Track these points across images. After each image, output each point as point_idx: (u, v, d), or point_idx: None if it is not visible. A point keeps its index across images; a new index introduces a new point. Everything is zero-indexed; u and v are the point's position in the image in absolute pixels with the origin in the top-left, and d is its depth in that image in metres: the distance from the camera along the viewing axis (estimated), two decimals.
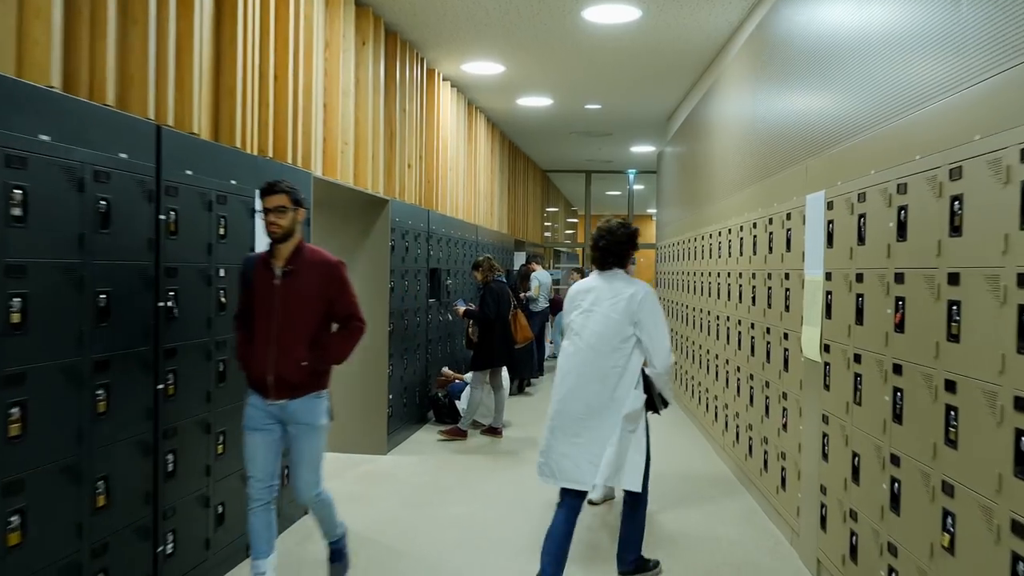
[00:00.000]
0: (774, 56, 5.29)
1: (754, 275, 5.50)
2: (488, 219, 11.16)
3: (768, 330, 5.07)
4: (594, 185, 18.77)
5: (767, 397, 5.08)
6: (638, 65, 8.08)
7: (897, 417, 3.05)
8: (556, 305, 13.11)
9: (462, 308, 7.40)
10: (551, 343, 13.49)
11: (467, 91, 9.40)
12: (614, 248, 3.75)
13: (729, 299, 6.34)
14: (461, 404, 7.48)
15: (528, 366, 9.81)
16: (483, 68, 8.23)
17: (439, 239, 8.15)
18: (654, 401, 3.75)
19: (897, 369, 3.05)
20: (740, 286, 5.95)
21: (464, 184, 9.63)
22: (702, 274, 7.70)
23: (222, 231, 3.83)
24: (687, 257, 8.93)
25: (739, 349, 5.95)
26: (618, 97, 9.77)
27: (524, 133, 12.59)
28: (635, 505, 3.84)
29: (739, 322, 5.96)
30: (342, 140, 5.55)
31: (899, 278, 3.06)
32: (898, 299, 3.06)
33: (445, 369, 8.08)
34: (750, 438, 5.55)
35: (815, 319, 4.04)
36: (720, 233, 6.85)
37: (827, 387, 3.89)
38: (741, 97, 6.42)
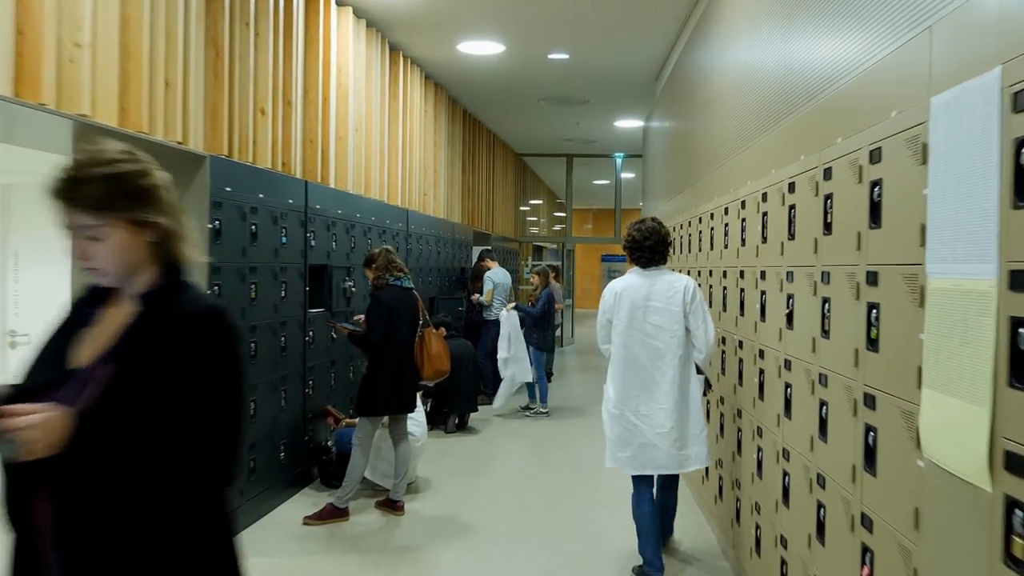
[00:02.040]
0: None
1: (790, 275, 3.14)
2: (427, 203, 8.79)
3: (822, 379, 2.70)
4: (578, 172, 16.40)
5: (821, 507, 2.70)
6: None
7: None
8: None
9: (347, 328, 5.00)
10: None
11: (385, 28, 7.03)
12: (660, 247, 3.98)
13: (743, 315, 3.97)
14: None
15: (469, 396, 7.44)
16: None
17: (331, 224, 5.80)
18: (702, 385, 4.00)
19: None
20: (763, 295, 3.58)
21: (385, 154, 7.27)
22: (698, 273, 5.32)
23: None
24: (676, 250, 6.55)
25: (760, 399, 3.60)
26: (589, 41, 7.41)
27: (479, 98, 10.21)
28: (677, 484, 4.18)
29: (759, 354, 3.60)
30: (67, 38, 3.17)
31: None
32: None
33: (330, 407, 5.72)
34: (783, 562, 3.20)
35: (971, 386, 1.68)
36: (726, 210, 4.48)
37: (1016, 564, 1.53)
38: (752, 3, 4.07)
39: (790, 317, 3.11)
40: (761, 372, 3.56)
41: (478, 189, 11.55)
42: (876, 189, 2.27)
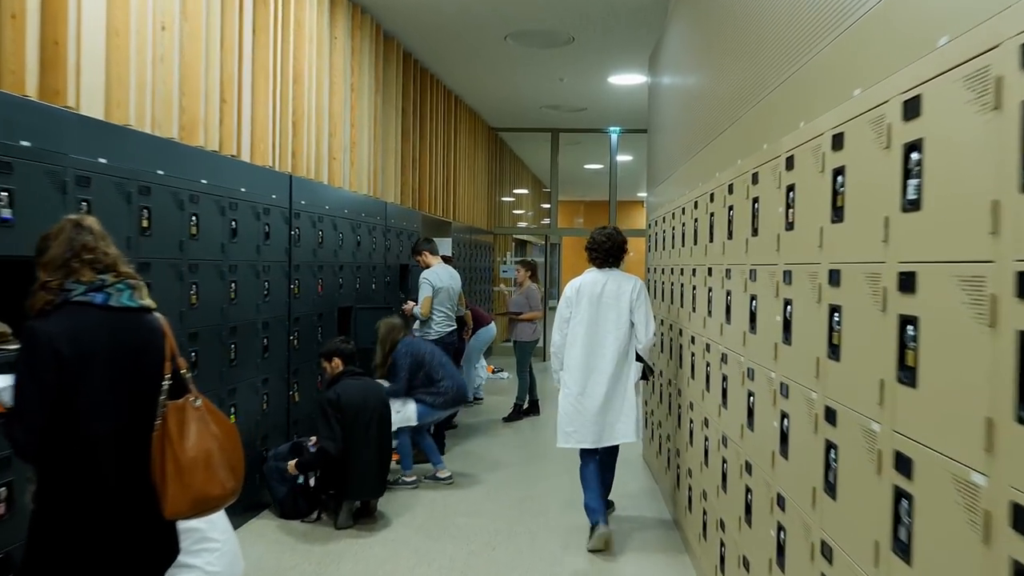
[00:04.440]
0: None
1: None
2: (335, 171, 6.05)
3: None
4: (567, 155, 13.69)
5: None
6: None
7: None
8: (480, 321, 8.07)
9: None
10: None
11: None
12: (615, 251, 4.54)
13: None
14: None
15: (374, 472, 4.66)
16: None
17: (75, 183, 3.08)
18: (644, 370, 4.51)
19: None
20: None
21: (241, 84, 4.55)
22: (732, 275, 3.00)
23: None
24: (688, 239, 4.45)
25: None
26: None
27: (420, 28, 7.47)
28: (615, 458, 4.63)
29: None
30: None
31: None
32: None
33: None
34: None
35: None
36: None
37: None
38: None
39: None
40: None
41: (430, 163, 8.83)
42: None
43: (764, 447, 2.64)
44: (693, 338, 4.14)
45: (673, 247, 4.94)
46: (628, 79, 9.04)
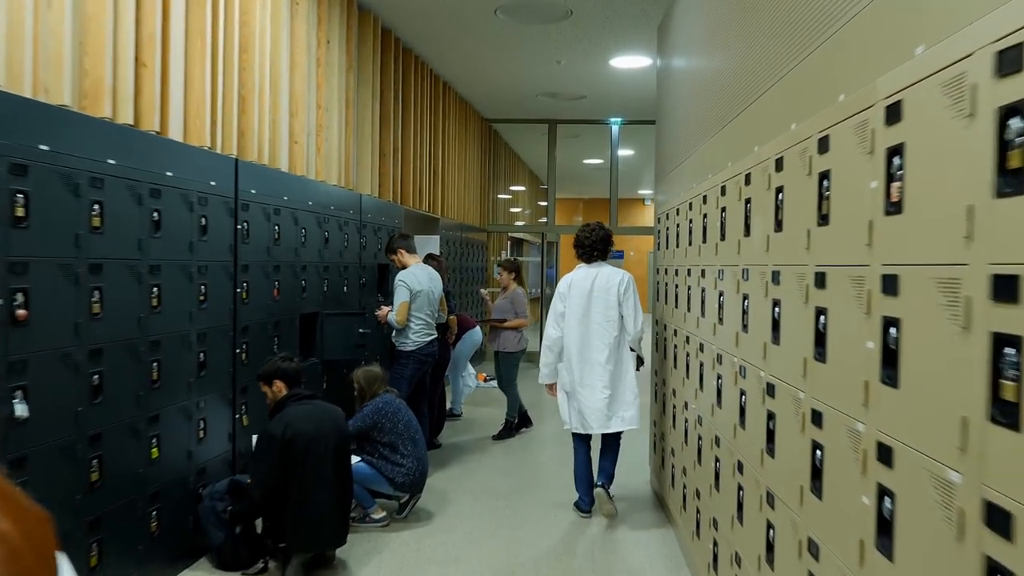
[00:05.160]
0: None
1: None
2: (297, 156, 5.24)
3: None
4: (565, 149, 12.89)
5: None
6: None
7: None
8: (464, 326, 7.31)
9: None
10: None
11: None
12: (599, 245, 4.77)
13: None
14: None
15: (330, 518, 3.82)
16: None
17: None
18: (636, 360, 4.81)
19: None
20: None
21: (168, 40, 3.76)
22: (782, 279, 2.12)
23: None
24: (712, 234, 3.64)
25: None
26: None
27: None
28: (619, 442, 4.83)
29: None
30: None
31: None
32: None
33: None
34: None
35: None
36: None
37: None
38: None
39: None
40: None
41: (414, 154, 8.02)
42: None
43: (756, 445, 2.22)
44: (720, 356, 3.29)
45: (691, 244, 4.09)
46: (631, 61, 8.23)
